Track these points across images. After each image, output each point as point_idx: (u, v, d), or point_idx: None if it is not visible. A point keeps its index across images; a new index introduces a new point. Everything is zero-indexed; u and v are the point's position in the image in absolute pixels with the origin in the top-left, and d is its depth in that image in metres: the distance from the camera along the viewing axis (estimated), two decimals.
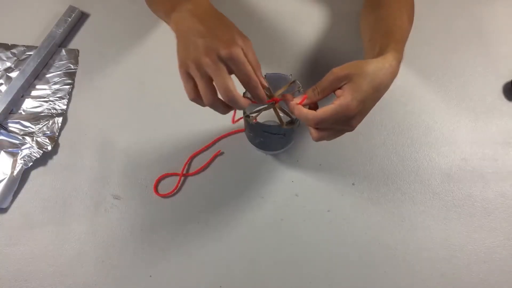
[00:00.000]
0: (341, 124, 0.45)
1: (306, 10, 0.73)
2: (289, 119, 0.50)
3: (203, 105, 0.44)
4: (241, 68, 0.41)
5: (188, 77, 0.43)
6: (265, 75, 0.51)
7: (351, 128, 0.46)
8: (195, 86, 0.43)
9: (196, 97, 0.44)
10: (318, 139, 0.47)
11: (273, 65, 0.68)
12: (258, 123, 0.50)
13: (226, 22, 0.45)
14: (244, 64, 0.42)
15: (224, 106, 0.44)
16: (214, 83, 0.42)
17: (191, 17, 0.44)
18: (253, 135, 0.56)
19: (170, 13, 0.47)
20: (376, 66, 0.45)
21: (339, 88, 0.45)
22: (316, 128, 0.46)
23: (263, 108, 0.51)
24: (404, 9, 0.55)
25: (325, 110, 0.44)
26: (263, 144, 0.59)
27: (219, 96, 0.43)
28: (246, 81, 0.42)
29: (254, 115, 0.52)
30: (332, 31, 0.71)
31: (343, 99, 0.43)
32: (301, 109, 0.45)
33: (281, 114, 0.50)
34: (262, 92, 0.44)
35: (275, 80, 0.50)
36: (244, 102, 0.43)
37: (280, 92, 0.49)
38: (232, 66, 0.41)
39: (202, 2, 0.47)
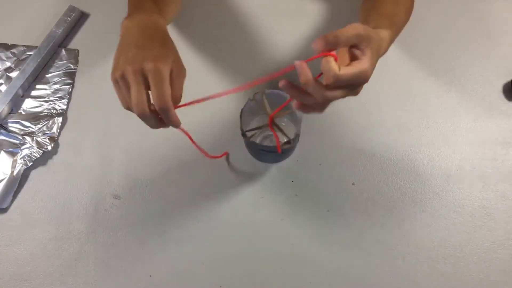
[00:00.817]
0: (351, 87, 0.42)
1: (306, 7, 0.73)
2: (286, 139, 0.50)
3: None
4: (158, 84, 0.41)
5: (117, 85, 0.44)
6: (264, 92, 0.50)
7: (356, 93, 0.43)
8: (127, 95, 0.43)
9: (128, 106, 0.44)
10: (327, 98, 0.42)
11: (271, 66, 0.68)
12: (253, 142, 0.50)
13: (170, 45, 0.46)
14: (163, 82, 0.41)
15: (156, 118, 0.44)
16: (133, 93, 0.42)
17: (137, 28, 0.45)
18: (251, 151, 0.56)
19: (128, 13, 0.48)
20: (384, 37, 0.44)
21: (355, 47, 0.42)
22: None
23: (260, 126, 0.51)
24: (402, 2, 0.55)
25: (348, 70, 0.40)
26: (261, 157, 0.59)
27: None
28: (158, 100, 0.41)
29: (250, 133, 0.51)
30: (332, 29, 0.71)
31: (365, 63, 0.41)
32: (331, 61, 0.40)
33: (278, 133, 0.50)
34: (173, 117, 0.43)
35: (274, 98, 0.49)
36: (174, 115, 0.43)
37: (276, 111, 0.48)
38: (150, 80, 0.41)
39: (155, 18, 0.47)
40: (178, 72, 0.44)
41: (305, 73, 0.40)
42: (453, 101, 0.66)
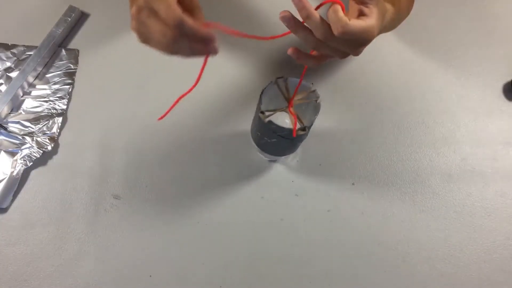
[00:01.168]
0: (354, 44, 0.41)
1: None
2: (300, 125, 0.50)
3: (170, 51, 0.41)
4: (159, 6, 0.38)
5: (145, 39, 0.42)
6: (287, 78, 0.51)
7: (358, 53, 0.43)
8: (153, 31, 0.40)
9: (163, 46, 0.41)
10: (329, 45, 0.41)
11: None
12: (271, 121, 0.50)
13: None
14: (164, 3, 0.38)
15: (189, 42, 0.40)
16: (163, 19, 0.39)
17: None
18: (261, 135, 0.56)
19: None
20: (389, 8, 0.44)
21: (363, 3, 0.41)
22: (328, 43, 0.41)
23: (279, 109, 0.51)
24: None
25: (357, 22, 0.39)
26: (267, 146, 0.58)
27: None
28: (168, 18, 0.38)
29: (268, 113, 0.51)
30: None
31: (372, 20, 0.40)
32: (339, 11, 0.39)
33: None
34: (193, 26, 0.38)
35: (295, 86, 0.50)
36: (193, 25, 0.38)
37: (297, 98, 0.49)
38: (154, 7, 0.39)
39: None
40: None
41: (306, 6, 0.38)
42: (453, 101, 0.66)
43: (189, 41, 0.40)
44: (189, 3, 0.41)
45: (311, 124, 0.51)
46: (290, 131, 0.49)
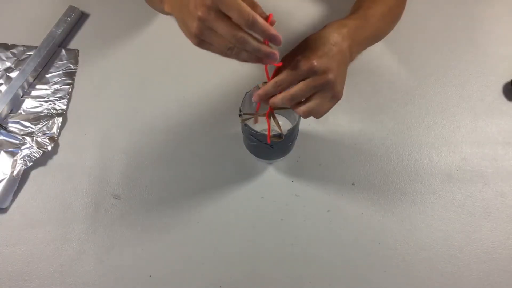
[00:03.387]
0: (314, 87, 0.44)
1: (304, 7, 0.73)
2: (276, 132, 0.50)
3: (240, 58, 0.43)
4: (231, 6, 0.38)
5: (205, 42, 0.42)
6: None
7: (331, 90, 0.45)
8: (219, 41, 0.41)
9: (226, 48, 0.42)
10: (305, 112, 0.46)
11: None
12: (246, 125, 0.50)
13: None
14: (233, 1, 0.38)
15: (253, 39, 0.41)
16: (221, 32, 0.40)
17: None
18: (244, 137, 0.56)
19: None
20: (347, 23, 0.48)
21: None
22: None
23: (257, 113, 0.51)
24: (385, 7, 0.56)
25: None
26: (251, 148, 0.59)
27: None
28: (243, 19, 0.39)
29: (246, 116, 0.51)
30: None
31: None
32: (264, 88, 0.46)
33: (274, 126, 0.50)
34: (265, 26, 0.39)
35: None
36: (265, 25, 0.40)
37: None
38: (223, 9, 0.39)
39: None
40: None
41: (262, 96, 0.46)
42: (453, 101, 0.66)
43: (255, 44, 0.41)
44: (249, 1, 0.41)
45: (290, 133, 0.51)
46: (264, 136, 0.49)
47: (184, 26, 0.43)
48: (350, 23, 0.49)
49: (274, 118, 0.50)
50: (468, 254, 0.56)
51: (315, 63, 0.43)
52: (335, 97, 0.46)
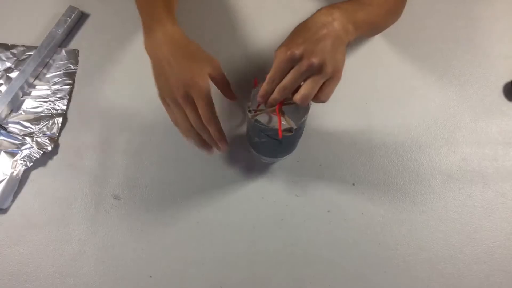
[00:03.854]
0: (303, 72, 0.45)
1: (308, 6, 0.73)
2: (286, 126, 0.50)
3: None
4: (199, 103, 0.48)
5: (167, 105, 0.51)
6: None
7: (321, 72, 0.45)
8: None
9: (176, 124, 0.52)
10: (301, 99, 0.46)
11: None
12: (257, 120, 0.50)
13: (193, 48, 0.51)
14: (203, 99, 0.48)
15: (200, 140, 0.52)
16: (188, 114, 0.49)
17: (162, 46, 0.50)
18: (251, 134, 0.56)
19: (146, 29, 0.53)
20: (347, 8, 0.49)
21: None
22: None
23: (267, 109, 0.51)
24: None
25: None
26: (259, 147, 0.58)
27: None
28: (203, 116, 0.49)
29: (255, 112, 0.51)
30: None
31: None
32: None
33: (283, 122, 0.50)
34: (217, 130, 0.50)
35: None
36: (217, 128, 0.50)
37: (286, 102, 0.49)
38: (195, 100, 0.48)
39: (171, 29, 0.51)
40: (214, 69, 0.50)
41: (264, 96, 0.48)
42: (453, 101, 0.66)
43: (207, 135, 0.51)
44: (221, 80, 0.52)
45: (299, 127, 0.51)
46: (275, 131, 0.49)
47: (159, 82, 0.51)
48: (343, 5, 0.50)
49: (283, 113, 0.50)
50: (468, 254, 0.56)
51: (295, 51, 0.44)
52: (333, 78, 0.47)
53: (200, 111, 0.48)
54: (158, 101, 0.66)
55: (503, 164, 0.62)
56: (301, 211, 0.59)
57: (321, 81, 0.46)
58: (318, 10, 0.49)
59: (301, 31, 0.47)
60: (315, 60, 0.44)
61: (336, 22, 0.47)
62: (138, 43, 0.71)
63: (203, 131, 0.50)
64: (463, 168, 0.61)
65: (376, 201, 0.59)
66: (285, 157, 0.60)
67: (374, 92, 0.66)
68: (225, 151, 0.53)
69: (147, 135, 0.63)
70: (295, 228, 0.58)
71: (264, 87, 0.47)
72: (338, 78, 0.47)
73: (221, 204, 0.59)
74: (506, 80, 0.67)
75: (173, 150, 0.62)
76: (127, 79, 0.68)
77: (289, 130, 0.50)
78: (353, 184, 0.60)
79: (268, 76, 0.47)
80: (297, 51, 0.44)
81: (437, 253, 0.56)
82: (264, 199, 0.59)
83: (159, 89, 0.51)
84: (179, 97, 0.48)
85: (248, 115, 0.50)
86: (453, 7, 0.73)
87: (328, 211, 0.59)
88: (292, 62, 0.45)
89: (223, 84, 0.53)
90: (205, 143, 0.53)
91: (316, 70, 0.45)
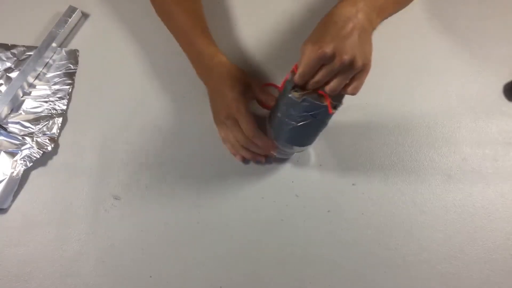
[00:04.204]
0: (332, 68, 0.46)
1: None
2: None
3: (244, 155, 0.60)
4: (242, 122, 0.56)
5: (219, 127, 0.60)
6: None
7: (351, 68, 0.46)
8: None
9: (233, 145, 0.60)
10: (331, 92, 0.48)
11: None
12: (305, 99, 0.49)
13: (233, 81, 0.57)
14: (244, 118, 0.55)
15: (249, 153, 0.59)
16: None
17: (213, 77, 0.59)
18: (288, 120, 0.52)
19: (194, 61, 0.62)
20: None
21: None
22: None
23: (311, 92, 0.50)
24: None
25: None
26: (292, 133, 0.54)
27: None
28: (246, 132, 0.56)
29: (301, 92, 0.50)
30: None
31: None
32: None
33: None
34: (262, 140, 0.56)
35: None
36: (262, 138, 0.56)
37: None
38: (238, 121, 0.56)
39: (218, 61, 0.59)
40: (248, 89, 0.58)
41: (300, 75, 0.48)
42: (453, 101, 0.66)
43: (255, 148, 0.58)
44: (246, 82, 0.58)
45: (341, 103, 0.51)
46: (326, 107, 0.49)
47: (214, 110, 0.60)
48: None
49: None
50: (468, 254, 0.56)
51: (326, 50, 0.44)
52: (363, 70, 0.48)
53: (243, 129, 0.55)
54: (159, 102, 0.66)
55: (503, 164, 0.62)
56: (301, 211, 0.59)
57: (351, 75, 0.47)
58: (341, 1, 0.49)
59: (327, 25, 0.47)
60: (346, 57, 0.45)
61: (360, 13, 0.47)
62: (138, 43, 0.71)
63: (250, 146, 0.57)
64: (463, 168, 0.61)
65: (376, 201, 0.59)
66: (307, 146, 0.58)
67: (374, 91, 0.66)
68: (274, 156, 0.60)
69: (147, 135, 0.63)
70: (295, 228, 0.58)
71: (297, 80, 0.48)
72: (368, 69, 0.48)
73: (221, 204, 0.59)
74: (506, 80, 0.67)
75: (173, 150, 0.62)
76: (127, 79, 0.68)
77: (334, 106, 0.50)
78: (353, 184, 0.60)
79: (299, 72, 0.47)
80: (328, 50, 0.44)
81: (437, 253, 0.56)
82: (264, 199, 0.59)
83: (213, 113, 0.60)
84: (225, 121, 0.57)
85: (296, 95, 0.49)
86: (453, 8, 0.73)
87: (328, 211, 0.59)
88: (323, 60, 0.45)
89: (261, 96, 0.59)
90: (255, 155, 0.59)
91: (347, 66, 0.46)
